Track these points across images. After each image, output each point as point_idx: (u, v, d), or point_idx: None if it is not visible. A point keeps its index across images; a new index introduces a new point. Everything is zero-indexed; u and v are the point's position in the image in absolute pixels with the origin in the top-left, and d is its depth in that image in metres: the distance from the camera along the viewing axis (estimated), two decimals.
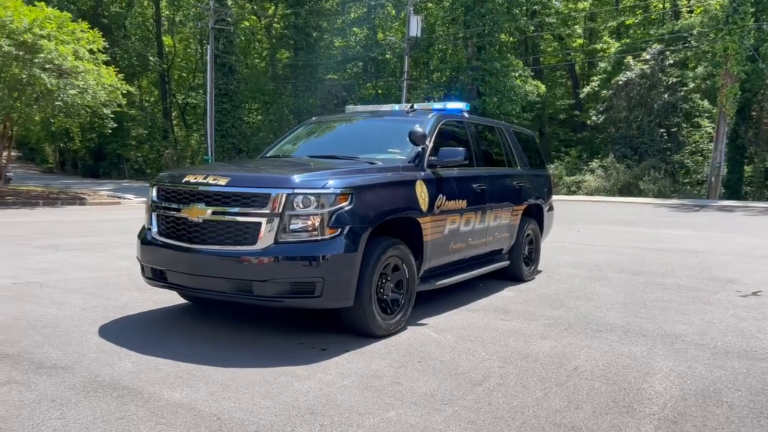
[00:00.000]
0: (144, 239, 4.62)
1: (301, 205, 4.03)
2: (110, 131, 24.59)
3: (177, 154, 38.27)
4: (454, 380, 3.65)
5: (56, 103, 17.63)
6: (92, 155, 41.67)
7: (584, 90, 33.82)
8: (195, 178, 4.33)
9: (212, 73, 31.01)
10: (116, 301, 5.50)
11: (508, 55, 31.44)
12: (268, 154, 6.00)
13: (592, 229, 13.65)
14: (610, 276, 7.41)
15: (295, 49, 36.21)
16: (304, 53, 35.72)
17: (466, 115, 6.20)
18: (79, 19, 19.64)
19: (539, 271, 7.60)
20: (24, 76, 16.77)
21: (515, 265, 6.74)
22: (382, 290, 4.52)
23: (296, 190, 4.04)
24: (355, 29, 37.43)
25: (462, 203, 5.44)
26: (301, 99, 35.05)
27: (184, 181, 4.39)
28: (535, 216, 7.23)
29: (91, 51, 19.25)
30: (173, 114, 46.93)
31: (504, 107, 30.10)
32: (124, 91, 19.80)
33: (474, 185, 5.69)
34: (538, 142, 7.97)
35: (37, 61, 16.75)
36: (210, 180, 4.25)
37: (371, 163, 4.97)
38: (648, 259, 8.99)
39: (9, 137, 19.31)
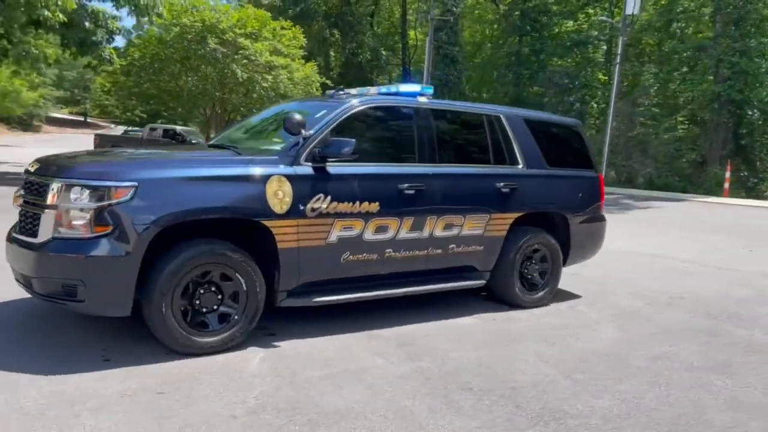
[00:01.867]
0: None
1: (77, 198, 3.65)
2: None
3: None
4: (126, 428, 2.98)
5: (253, 95, 19.47)
6: None
7: None
8: (31, 165, 4.24)
9: (430, 64, 31.28)
10: None
11: None
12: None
13: None
14: (663, 316, 5.52)
15: (520, 35, 34.74)
16: (530, 39, 34.08)
17: (424, 99, 5.09)
18: (280, 18, 21.31)
19: (577, 296, 6.04)
20: (228, 71, 18.83)
21: (501, 286, 5.41)
22: (198, 302, 3.93)
23: (72, 181, 3.68)
24: (588, 10, 34.41)
25: (370, 206, 4.48)
26: (521, 88, 33.57)
27: (28, 167, 4.33)
28: (554, 228, 5.72)
29: (300, 47, 20.87)
30: None
31: (758, 93, 24.99)
32: (319, 84, 21.03)
33: (400, 185, 4.65)
34: (583, 135, 6.21)
35: (236, 57, 18.64)
36: (31, 167, 4.12)
37: (238, 154, 4.38)
38: None
39: (226, 121, 21.89)
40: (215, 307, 4.00)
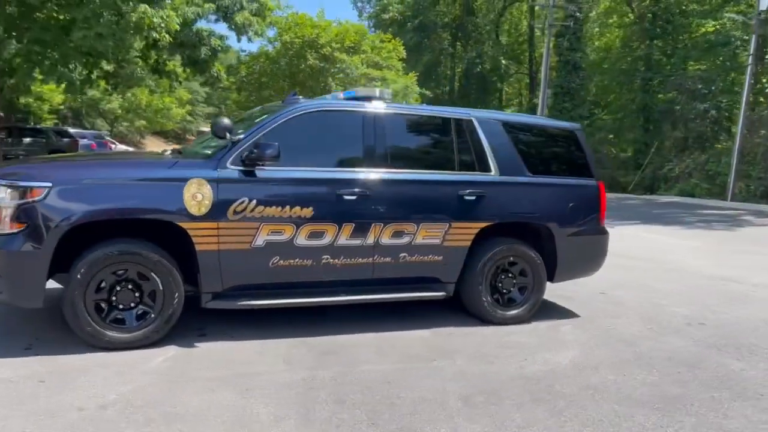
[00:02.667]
0: None
1: (3, 197, 3.96)
2: None
3: None
4: None
5: None
6: None
7: None
8: None
9: (546, 72, 30.26)
10: None
11: None
12: None
13: None
14: (654, 342, 4.86)
15: (650, 38, 32.45)
16: (661, 42, 31.76)
17: (379, 103, 4.92)
18: (378, 30, 21.60)
19: (575, 316, 5.52)
20: (323, 84, 19.47)
21: (468, 300, 5.08)
22: (115, 298, 4.10)
23: (0, 181, 4.01)
24: (731, 7, 31.33)
25: (302, 211, 4.41)
26: (650, 94, 31.29)
27: None
28: (539, 241, 5.27)
29: (401, 59, 21.14)
30: (544, 114, 47.41)
31: None
32: (417, 94, 21.08)
33: (338, 191, 4.54)
34: (582, 141, 5.60)
35: (333, 71, 19.24)
36: None
37: (173, 159, 4.54)
38: None
39: None
40: (132, 304, 4.15)
